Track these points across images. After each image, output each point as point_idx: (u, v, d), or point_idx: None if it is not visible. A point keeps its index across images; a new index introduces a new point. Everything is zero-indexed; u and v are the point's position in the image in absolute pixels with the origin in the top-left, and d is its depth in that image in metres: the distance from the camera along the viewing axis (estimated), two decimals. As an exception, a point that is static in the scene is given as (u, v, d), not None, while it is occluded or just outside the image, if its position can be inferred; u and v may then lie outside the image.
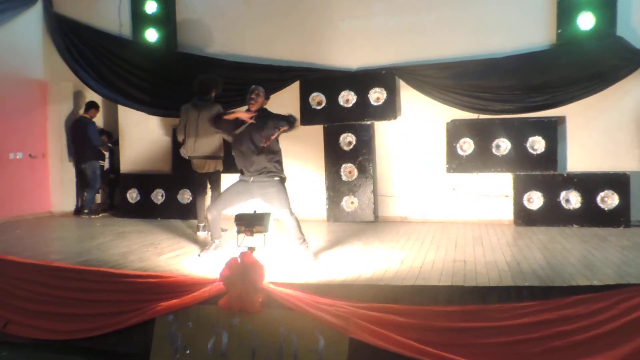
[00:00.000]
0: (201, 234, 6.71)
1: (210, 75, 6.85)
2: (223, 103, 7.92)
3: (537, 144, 6.96)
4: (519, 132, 7.03)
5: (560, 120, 7.00)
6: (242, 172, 5.33)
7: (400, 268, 4.86)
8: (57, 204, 8.93)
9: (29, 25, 8.51)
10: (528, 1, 7.03)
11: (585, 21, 6.68)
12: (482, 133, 7.17)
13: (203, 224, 6.74)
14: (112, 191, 9.20)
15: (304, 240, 5.27)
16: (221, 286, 4.41)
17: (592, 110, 6.85)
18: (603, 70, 6.59)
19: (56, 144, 8.93)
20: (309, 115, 7.67)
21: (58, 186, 8.95)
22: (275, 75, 7.72)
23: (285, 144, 7.66)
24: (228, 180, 7.97)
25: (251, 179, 5.22)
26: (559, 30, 6.85)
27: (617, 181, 6.69)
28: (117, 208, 8.84)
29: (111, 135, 9.28)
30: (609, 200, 6.68)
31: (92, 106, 8.65)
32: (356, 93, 7.52)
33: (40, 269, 5.17)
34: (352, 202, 7.62)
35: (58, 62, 8.48)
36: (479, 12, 7.16)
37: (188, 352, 4.44)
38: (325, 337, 4.16)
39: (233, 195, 5.35)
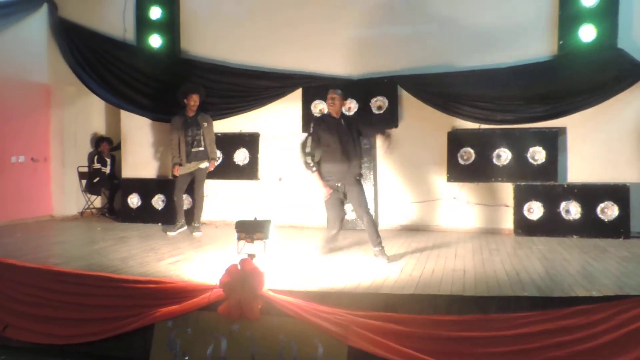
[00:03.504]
0: (171, 234, 7.09)
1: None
2: (227, 109, 8.02)
3: (537, 155, 6.99)
4: (519, 143, 7.05)
5: (561, 131, 7.02)
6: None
7: (400, 276, 4.86)
8: (59, 208, 8.94)
9: (34, 29, 8.56)
10: (530, 12, 7.06)
11: (587, 33, 6.71)
12: (483, 143, 7.20)
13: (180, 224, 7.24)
14: (112, 196, 9.22)
15: (380, 243, 5.55)
16: (221, 293, 4.42)
17: (593, 121, 6.87)
18: (604, 81, 6.62)
19: (58, 147, 8.96)
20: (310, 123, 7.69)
21: (60, 190, 8.97)
22: (277, 83, 7.76)
23: (286, 150, 7.74)
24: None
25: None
26: (561, 42, 6.88)
27: (617, 192, 6.70)
28: (117, 212, 8.87)
29: (111, 142, 9.32)
30: (609, 211, 6.69)
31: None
32: (358, 101, 7.55)
33: (40, 273, 5.17)
34: (352, 210, 7.61)
35: (62, 66, 8.52)
36: (481, 22, 7.18)
37: (187, 358, 4.43)
38: (324, 344, 4.16)
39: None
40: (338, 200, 5.68)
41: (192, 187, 7.33)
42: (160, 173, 8.51)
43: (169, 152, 8.36)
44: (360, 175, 5.78)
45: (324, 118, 5.78)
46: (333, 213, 5.71)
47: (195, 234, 7.14)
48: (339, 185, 5.59)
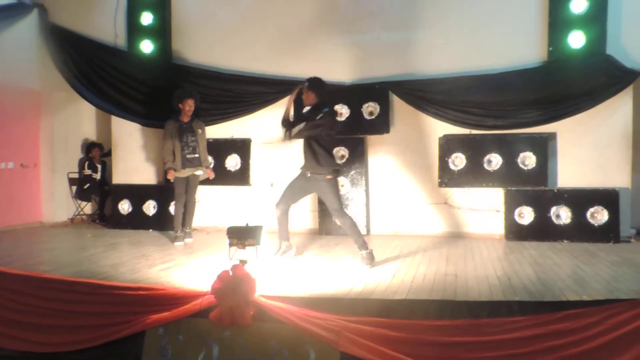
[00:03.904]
0: (179, 244, 6.92)
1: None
2: (218, 115, 8.00)
3: (528, 160, 7.04)
4: (510, 148, 7.11)
5: (551, 137, 7.08)
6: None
7: (392, 282, 4.87)
8: (48, 214, 8.89)
9: (24, 35, 8.50)
10: (520, 19, 7.13)
11: (576, 39, 6.79)
12: (474, 148, 7.24)
13: (182, 234, 7.08)
14: (103, 202, 9.17)
15: (365, 245, 5.55)
16: (212, 299, 4.39)
17: (583, 126, 6.94)
18: (593, 87, 6.70)
19: (48, 154, 8.92)
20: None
21: (49, 196, 8.92)
22: (269, 89, 7.76)
23: (278, 156, 7.74)
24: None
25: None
26: (550, 48, 6.95)
27: (607, 197, 6.76)
28: (108, 219, 8.82)
29: (102, 147, 9.28)
30: (598, 216, 6.74)
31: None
32: (350, 107, 7.57)
33: (29, 280, 5.12)
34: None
35: (52, 71, 8.48)
36: (472, 28, 7.24)
37: (178, 365, 4.41)
38: (316, 350, 4.15)
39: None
40: (300, 186, 5.79)
41: (185, 192, 7.24)
42: (152, 179, 8.48)
43: (160, 158, 8.34)
44: (336, 172, 5.71)
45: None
46: (287, 191, 5.84)
47: (186, 239, 7.10)
48: (309, 175, 5.67)
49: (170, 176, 7.01)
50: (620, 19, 6.79)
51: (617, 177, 6.87)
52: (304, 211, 7.74)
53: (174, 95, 7.13)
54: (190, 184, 7.16)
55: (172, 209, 7.81)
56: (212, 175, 7.29)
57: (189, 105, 7.04)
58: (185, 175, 7.09)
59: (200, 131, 7.15)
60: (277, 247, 5.93)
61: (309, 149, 5.62)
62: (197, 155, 7.10)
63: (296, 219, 7.54)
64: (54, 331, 4.85)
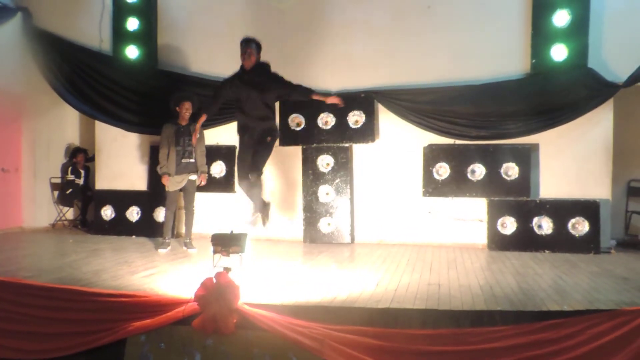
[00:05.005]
0: (162, 251, 6.81)
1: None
2: (204, 122, 7.94)
3: (511, 170, 7.12)
4: (493, 158, 7.18)
5: (534, 148, 7.17)
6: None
7: (375, 291, 4.88)
8: (29, 219, 8.77)
9: (7, 38, 8.40)
10: (504, 31, 7.22)
11: (558, 52, 6.89)
12: (458, 158, 7.30)
13: (169, 240, 6.98)
14: (85, 207, 9.08)
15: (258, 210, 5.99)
16: (196, 306, 4.37)
17: (565, 138, 7.03)
18: (575, 100, 6.80)
19: (30, 158, 8.80)
20: (288, 136, 7.73)
21: (31, 201, 8.80)
22: (255, 96, 7.75)
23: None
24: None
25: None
26: (533, 60, 7.05)
27: (588, 208, 6.85)
28: (90, 225, 8.73)
29: (87, 153, 9.20)
30: (579, 226, 6.83)
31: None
32: (335, 115, 7.60)
33: (9, 286, 5.04)
34: (328, 224, 7.64)
35: (35, 75, 8.40)
36: (457, 40, 7.32)
37: (160, 373, 4.37)
38: (299, 359, 4.14)
39: None
40: (248, 145, 6.10)
41: (177, 200, 7.09)
42: (136, 185, 8.40)
43: (143, 164, 8.31)
44: (271, 134, 6.10)
45: (239, 73, 6.13)
46: (240, 154, 6.17)
47: (190, 250, 6.84)
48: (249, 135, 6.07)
49: (165, 181, 6.83)
50: (602, 33, 6.91)
51: (597, 189, 6.97)
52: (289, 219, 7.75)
53: (171, 98, 6.96)
54: (187, 191, 6.97)
55: (161, 215, 7.81)
56: (203, 182, 7.06)
57: (185, 108, 6.88)
58: (180, 184, 6.91)
59: (198, 135, 7.03)
60: (254, 212, 6.15)
61: (268, 107, 6.11)
62: (192, 160, 6.90)
63: (280, 227, 7.57)
64: (34, 338, 4.78)
